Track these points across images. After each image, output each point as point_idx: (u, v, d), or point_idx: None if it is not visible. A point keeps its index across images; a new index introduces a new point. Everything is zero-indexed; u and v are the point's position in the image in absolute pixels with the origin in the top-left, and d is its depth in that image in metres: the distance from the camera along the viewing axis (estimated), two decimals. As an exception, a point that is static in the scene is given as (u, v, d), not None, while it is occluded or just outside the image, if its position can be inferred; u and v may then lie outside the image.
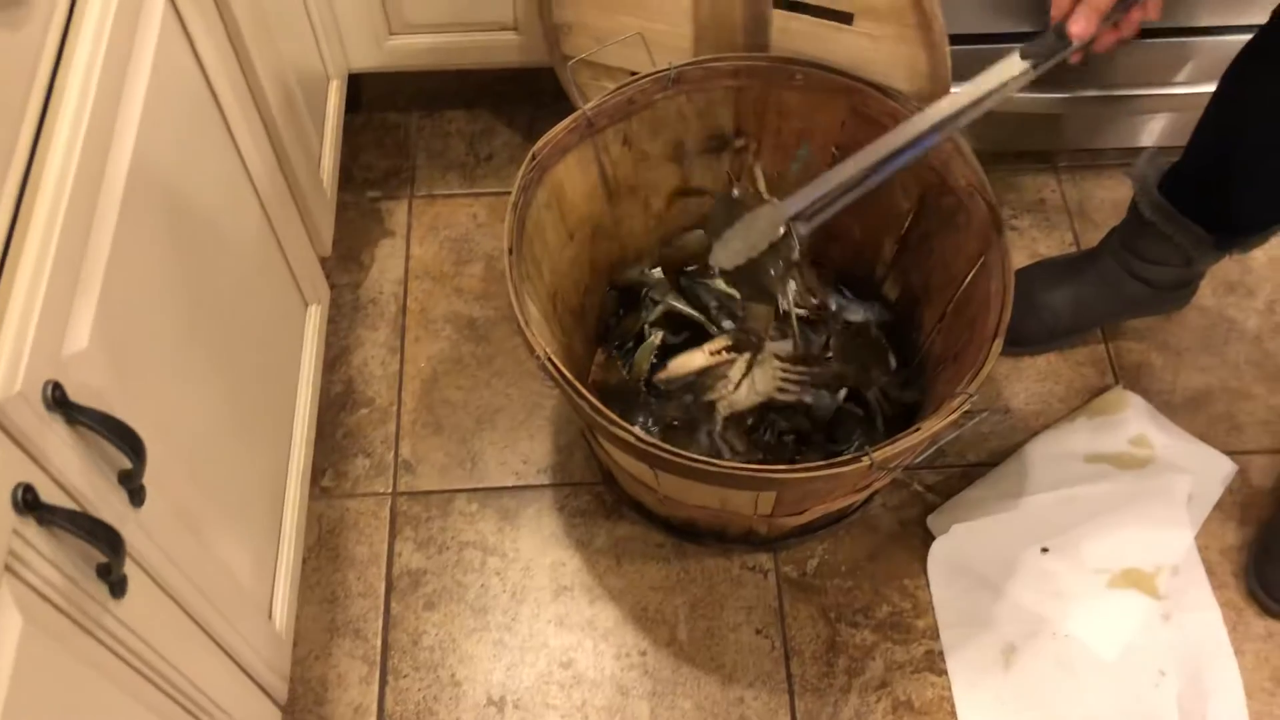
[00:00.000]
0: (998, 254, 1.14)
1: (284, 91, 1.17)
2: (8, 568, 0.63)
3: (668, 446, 1.02)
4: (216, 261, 0.98)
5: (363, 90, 1.65)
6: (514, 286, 1.12)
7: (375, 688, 1.24)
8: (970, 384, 1.06)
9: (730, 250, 1.12)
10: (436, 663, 1.26)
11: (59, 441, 0.67)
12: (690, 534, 1.31)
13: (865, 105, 1.25)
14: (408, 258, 1.54)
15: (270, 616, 1.08)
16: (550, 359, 1.07)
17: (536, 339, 1.08)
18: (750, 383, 1.28)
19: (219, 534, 0.95)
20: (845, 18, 1.23)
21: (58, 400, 0.65)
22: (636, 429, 1.02)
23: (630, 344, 1.40)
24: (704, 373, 1.30)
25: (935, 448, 1.08)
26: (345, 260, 1.53)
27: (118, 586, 0.72)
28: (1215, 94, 1.23)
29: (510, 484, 1.37)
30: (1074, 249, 1.53)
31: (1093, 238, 1.53)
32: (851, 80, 1.24)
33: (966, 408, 1.04)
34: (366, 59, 1.47)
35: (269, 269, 1.14)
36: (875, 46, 1.23)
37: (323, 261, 1.37)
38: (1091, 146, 1.59)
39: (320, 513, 1.35)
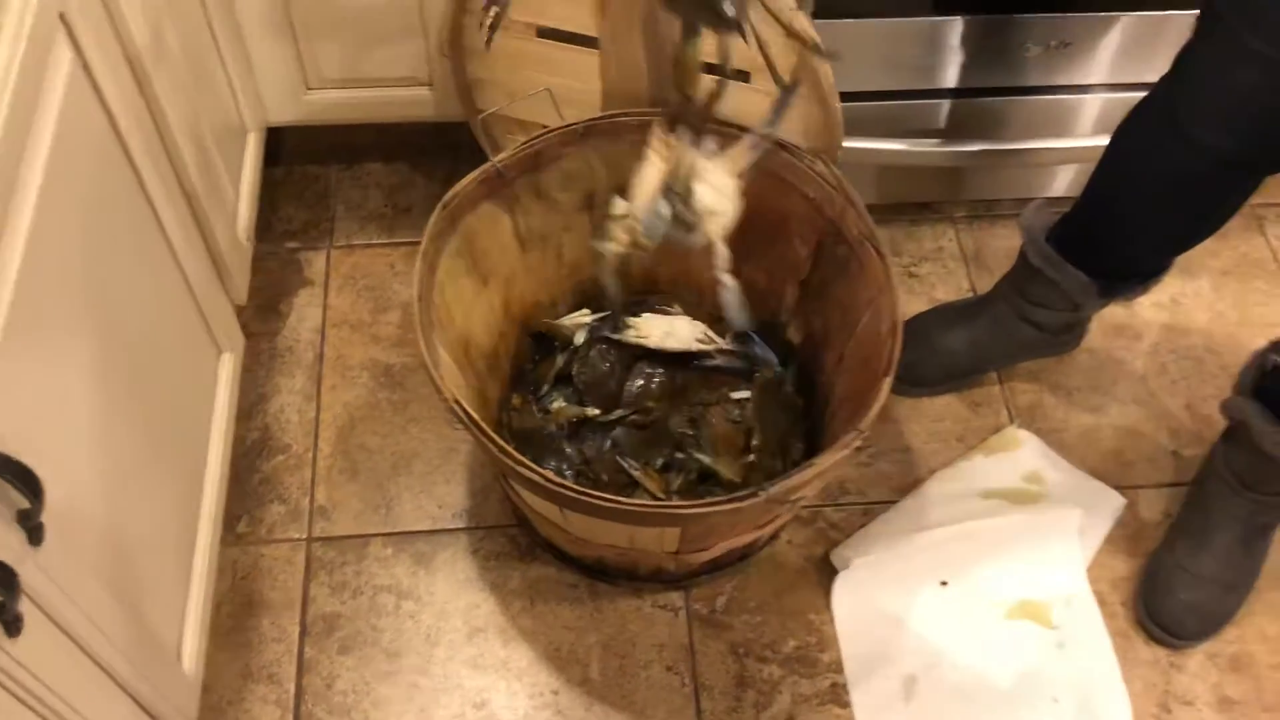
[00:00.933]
0: (887, 299, 1.19)
1: (197, 145, 1.20)
2: (-99, 604, 0.64)
3: (574, 486, 1.05)
4: (126, 308, 1.00)
5: (283, 143, 1.68)
6: (422, 332, 1.15)
7: (288, 732, 1.25)
8: (861, 421, 1.10)
9: None
10: (350, 706, 1.27)
11: (-44, 481, 0.68)
12: (602, 574, 1.34)
13: (764, 159, 1.30)
14: (325, 306, 1.56)
15: (179, 660, 1.09)
16: (458, 402, 1.10)
17: (444, 382, 1.11)
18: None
19: (124, 575, 0.96)
20: (743, 75, 1.29)
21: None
22: (544, 470, 1.06)
23: (545, 389, 1.43)
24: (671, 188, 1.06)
25: (826, 481, 1.13)
26: (263, 309, 1.55)
27: (12, 625, 0.74)
28: (1107, 150, 1.29)
29: (425, 528, 1.39)
30: (970, 294, 1.60)
31: (988, 284, 1.59)
32: (749, 135, 1.29)
33: (858, 444, 1.09)
34: (284, 113, 1.50)
35: (181, 317, 1.16)
36: (769, 105, 1.29)
37: (240, 310, 1.39)
38: (988, 198, 1.67)
39: (235, 559, 1.36)
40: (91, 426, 0.92)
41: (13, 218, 0.79)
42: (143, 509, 1.03)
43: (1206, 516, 1.34)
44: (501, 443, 1.07)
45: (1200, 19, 1.12)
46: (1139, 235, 1.30)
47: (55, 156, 0.85)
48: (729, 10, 0.88)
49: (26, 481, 0.73)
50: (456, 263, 1.27)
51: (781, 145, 1.28)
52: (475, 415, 1.09)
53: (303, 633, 1.31)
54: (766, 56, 1.01)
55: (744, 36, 0.91)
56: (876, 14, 1.38)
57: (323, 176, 1.69)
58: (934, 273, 1.62)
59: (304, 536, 1.38)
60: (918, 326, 1.48)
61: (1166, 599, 1.32)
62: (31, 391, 0.80)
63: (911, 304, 1.59)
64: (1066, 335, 1.48)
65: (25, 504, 0.74)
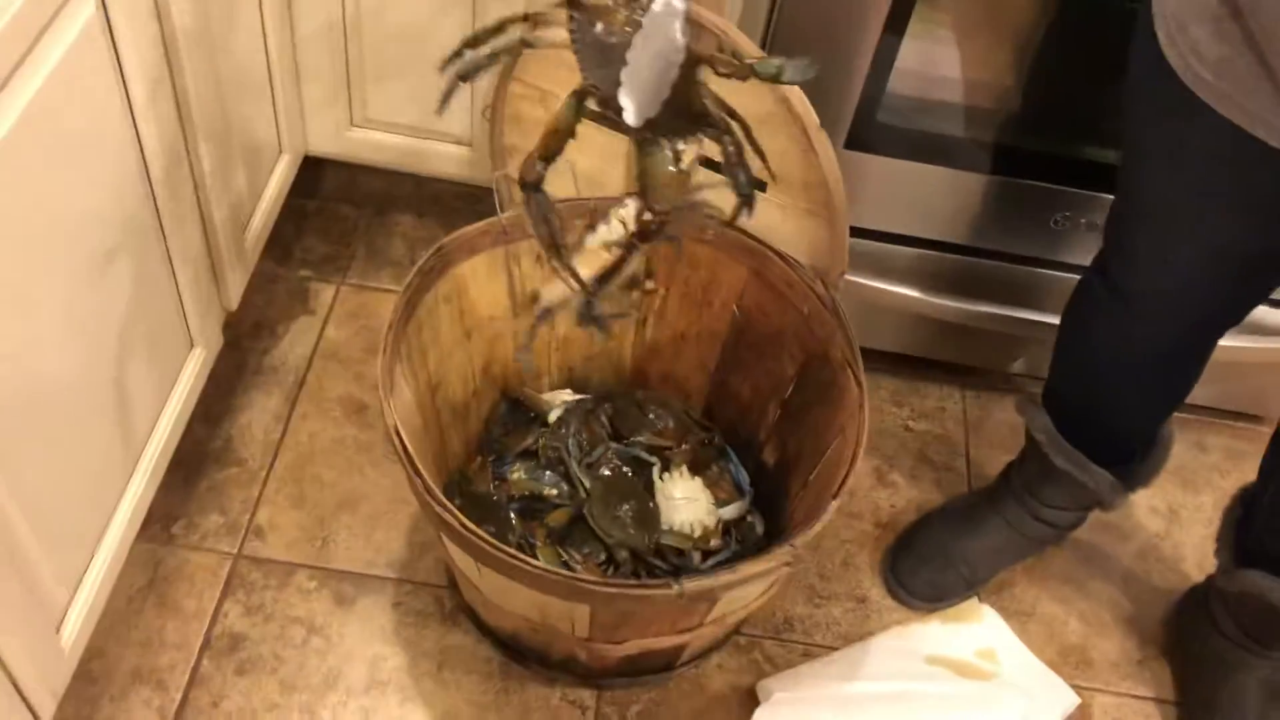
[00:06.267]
0: (855, 424, 1.16)
1: (219, 144, 1.22)
2: None
3: (485, 535, 1.02)
4: (93, 262, 1.01)
5: (323, 179, 1.71)
6: (385, 359, 1.15)
7: (160, 743, 1.20)
8: (797, 537, 1.06)
9: (651, 94, 0.78)
10: (230, 731, 1.22)
11: None
12: (517, 652, 1.29)
13: (767, 270, 1.30)
14: (320, 337, 1.57)
15: (58, 631, 1.05)
16: (398, 431, 1.09)
17: (391, 409, 1.10)
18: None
19: (18, 524, 0.94)
20: (760, 185, 1.29)
21: None
22: (457, 512, 1.03)
23: (510, 459, 1.40)
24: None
25: (754, 596, 1.07)
26: (260, 327, 1.56)
27: None
28: (1074, 335, 1.29)
29: (355, 570, 1.35)
30: (962, 462, 1.55)
31: (983, 456, 1.56)
32: (757, 244, 1.29)
33: (787, 559, 1.05)
34: (323, 144, 1.54)
35: (156, 297, 1.17)
36: (783, 217, 1.29)
37: (233, 317, 1.40)
38: (1002, 369, 1.64)
39: (161, 557, 1.33)
40: (22, 364, 0.92)
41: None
42: (63, 465, 1.02)
43: (1232, 685, 1.28)
44: (426, 476, 1.04)
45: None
46: (1135, 409, 1.28)
47: (48, 90, 0.87)
48: (711, 111, 0.85)
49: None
50: (443, 307, 1.27)
51: (784, 259, 1.28)
52: (410, 447, 1.07)
53: (204, 645, 1.28)
54: (754, 142, 0.95)
55: (730, 136, 0.86)
56: (911, 157, 1.39)
57: (353, 218, 1.72)
58: (930, 431, 1.58)
59: (233, 551, 1.35)
60: (928, 541, 1.42)
61: None
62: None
63: (900, 457, 1.55)
64: (1073, 531, 1.42)
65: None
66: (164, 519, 1.35)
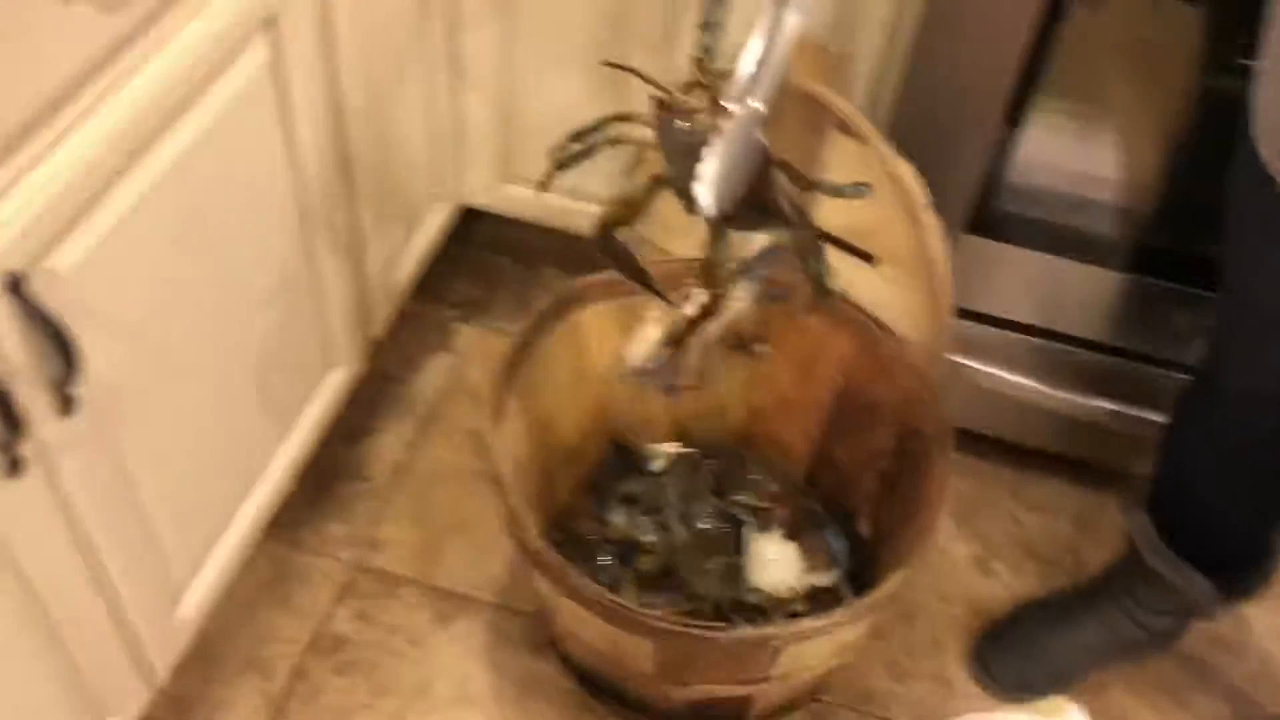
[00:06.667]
0: (938, 496, 1.17)
1: (378, 189, 1.35)
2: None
3: (555, 554, 1.08)
4: (247, 279, 1.14)
5: (479, 229, 1.84)
6: (496, 390, 1.23)
7: (261, 724, 1.31)
8: (866, 599, 1.08)
9: (726, 189, 0.85)
10: (324, 724, 1.31)
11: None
12: (595, 687, 1.34)
13: (872, 343, 1.33)
14: (459, 376, 1.68)
15: (176, 603, 1.17)
16: (497, 455, 1.17)
17: (494, 434, 1.18)
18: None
19: (153, 500, 1.06)
20: (868, 258, 1.33)
21: (9, 287, 0.79)
22: (533, 531, 1.09)
23: (612, 503, 1.47)
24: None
25: (820, 655, 1.09)
26: (404, 360, 1.69)
27: (17, 465, 0.85)
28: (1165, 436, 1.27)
29: (458, 590, 1.44)
30: (1070, 559, 1.52)
31: (1092, 556, 1.53)
32: (865, 316, 1.33)
33: (846, 618, 1.07)
34: (479, 197, 1.66)
35: (298, 310, 1.28)
36: (889, 291, 1.32)
37: (378, 345, 1.52)
38: (1122, 469, 1.60)
39: (284, 557, 1.45)
40: (178, 364, 1.05)
41: (158, 148, 0.94)
42: (201, 453, 1.14)
43: None
44: (511, 493, 1.11)
45: None
46: (1238, 515, 1.24)
47: (219, 122, 1.01)
48: (795, 207, 0.92)
49: (64, 350, 0.84)
50: (559, 348, 1.36)
51: (886, 332, 1.31)
52: (509, 475, 1.15)
53: (311, 642, 1.38)
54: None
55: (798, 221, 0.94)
56: (1032, 246, 1.40)
57: (505, 269, 1.84)
58: (1040, 525, 1.56)
59: (350, 560, 1.46)
60: (1020, 630, 1.41)
61: None
62: (128, 293, 0.94)
63: (1005, 548, 1.54)
64: (1174, 639, 1.38)
65: (63, 370, 0.85)
66: (292, 524, 1.47)
